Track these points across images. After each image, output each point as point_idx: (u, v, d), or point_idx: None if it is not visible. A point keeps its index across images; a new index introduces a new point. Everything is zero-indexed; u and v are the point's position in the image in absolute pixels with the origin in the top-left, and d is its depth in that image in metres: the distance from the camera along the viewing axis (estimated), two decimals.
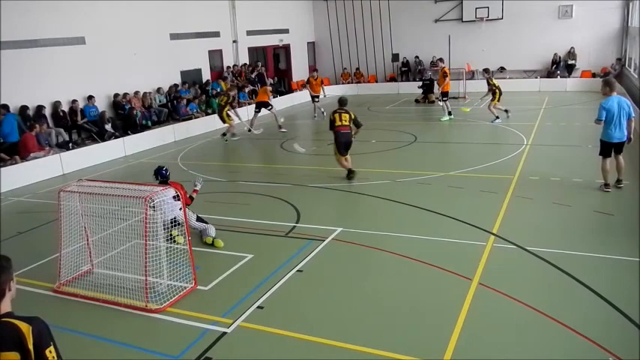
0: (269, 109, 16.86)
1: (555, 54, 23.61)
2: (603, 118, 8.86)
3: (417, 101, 21.86)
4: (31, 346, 2.37)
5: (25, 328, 2.40)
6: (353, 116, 10.54)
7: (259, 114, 16.83)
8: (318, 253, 7.15)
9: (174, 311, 5.82)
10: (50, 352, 2.42)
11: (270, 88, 18.57)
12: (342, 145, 10.53)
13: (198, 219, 7.89)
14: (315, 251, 7.18)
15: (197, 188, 7.73)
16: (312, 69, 24.39)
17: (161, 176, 7.87)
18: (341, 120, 10.47)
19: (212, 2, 20.98)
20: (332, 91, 26.22)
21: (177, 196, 6.60)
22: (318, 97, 19.56)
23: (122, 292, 6.09)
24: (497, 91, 16.04)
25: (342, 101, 10.78)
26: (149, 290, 5.95)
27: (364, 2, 26.56)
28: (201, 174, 11.89)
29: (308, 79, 20.18)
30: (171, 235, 7.25)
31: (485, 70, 16.62)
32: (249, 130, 16.44)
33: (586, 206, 8.38)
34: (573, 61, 23.34)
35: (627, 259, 6.40)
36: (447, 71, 17.30)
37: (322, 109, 18.99)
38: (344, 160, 10.68)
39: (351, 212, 8.79)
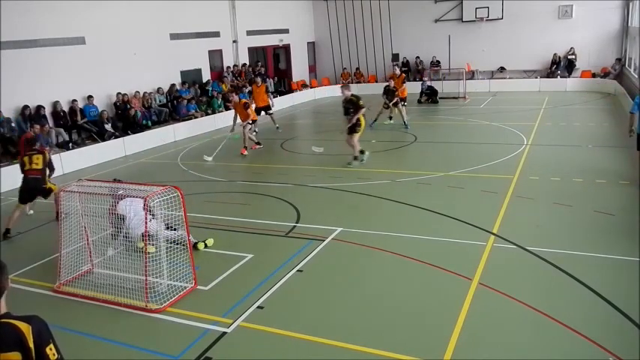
0: (270, 114, 16.93)
1: (555, 54, 23.61)
2: (636, 111, 9.24)
3: (419, 102, 21.87)
4: (32, 345, 2.38)
5: (25, 327, 2.41)
6: (48, 158, 9.07)
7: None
8: (318, 253, 7.15)
9: (174, 311, 5.82)
10: (50, 349, 2.43)
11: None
12: (27, 193, 8.93)
13: (168, 227, 6.86)
14: (315, 251, 7.18)
15: None
16: (313, 69, 24.02)
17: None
18: (31, 163, 8.84)
19: (212, 2, 20.98)
20: (330, 92, 26.28)
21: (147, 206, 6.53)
22: (268, 107, 16.97)
23: (122, 292, 6.09)
24: None
25: (32, 140, 9.56)
26: (149, 290, 5.95)
27: (364, 2, 26.57)
28: (202, 174, 11.92)
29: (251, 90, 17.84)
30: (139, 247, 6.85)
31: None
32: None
33: (586, 206, 8.38)
34: (573, 57, 23.34)
35: (627, 259, 6.40)
36: (403, 77, 17.40)
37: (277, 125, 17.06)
38: (17, 212, 8.90)
39: (351, 212, 8.79)
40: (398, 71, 17.54)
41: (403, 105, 16.53)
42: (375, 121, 16.55)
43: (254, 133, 15.10)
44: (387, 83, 16.88)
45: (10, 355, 2.36)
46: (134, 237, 6.96)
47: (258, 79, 17.37)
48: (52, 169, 9.23)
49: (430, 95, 21.80)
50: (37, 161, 8.86)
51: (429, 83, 22.36)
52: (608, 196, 8.92)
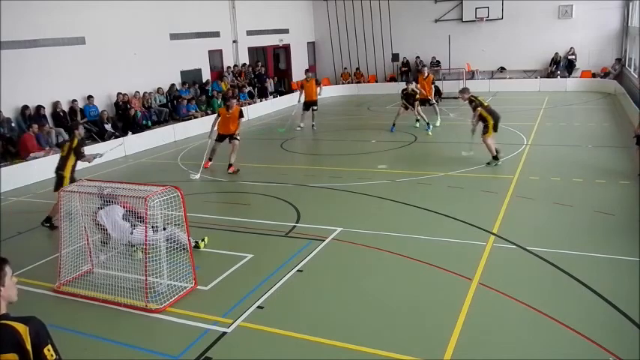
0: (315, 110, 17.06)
1: (556, 53, 23.59)
2: None
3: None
4: (29, 347, 2.37)
5: (22, 328, 2.40)
6: (75, 144, 8.86)
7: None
8: (318, 253, 7.15)
9: (174, 311, 5.82)
10: (48, 350, 2.43)
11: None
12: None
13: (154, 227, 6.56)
14: (315, 251, 7.18)
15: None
16: (313, 69, 24.10)
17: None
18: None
19: (212, 2, 20.98)
20: (330, 92, 26.32)
21: (125, 215, 6.48)
22: (315, 102, 17.15)
23: (122, 292, 6.09)
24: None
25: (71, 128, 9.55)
26: (149, 290, 5.94)
27: (364, 2, 26.57)
28: (201, 174, 11.89)
29: (301, 84, 17.68)
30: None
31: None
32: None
33: (586, 206, 8.38)
34: (573, 57, 23.35)
35: (627, 259, 6.41)
36: (432, 78, 16.72)
37: (314, 123, 17.17)
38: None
39: (351, 212, 8.79)
40: (426, 72, 16.64)
41: (431, 104, 16.07)
42: (394, 125, 15.90)
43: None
44: (404, 87, 16.16)
45: (7, 356, 2.36)
46: (123, 245, 6.91)
47: (310, 74, 17.56)
48: (78, 156, 8.90)
49: (435, 94, 21.76)
50: (64, 148, 9.03)
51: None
52: (608, 196, 8.92)
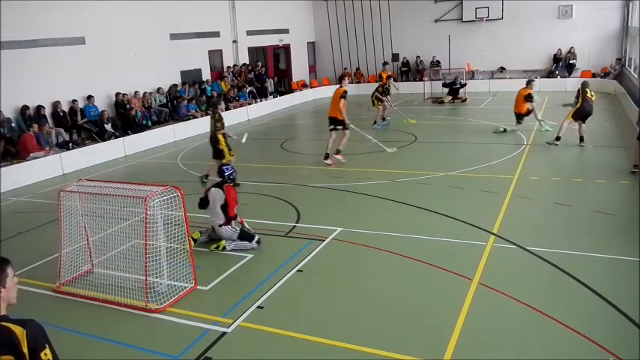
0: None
1: (559, 49, 23.54)
2: None
3: (441, 102, 21.67)
4: (25, 350, 2.36)
5: (19, 331, 2.38)
6: (217, 117, 10.82)
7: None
8: (318, 253, 7.15)
9: (174, 311, 5.82)
10: (46, 354, 2.40)
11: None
12: None
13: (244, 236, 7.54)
14: (315, 251, 7.18)
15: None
16: (313, 69, 24.00)
17: (220, 175, 7.97)
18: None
19: (212, 2, 20.99)
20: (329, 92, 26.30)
21: (223, 206, 7.28)
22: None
23: (122, 292, 6.09)
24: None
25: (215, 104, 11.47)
26: (149, 290, 5.94)
27: (364, 2, 26.58)
28: (202, 174, 11.88)
29: (379, 74, 18.13)
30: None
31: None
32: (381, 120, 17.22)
33: (586, 206, 8.38)
34: (574, 61, 23.35)
35: (627, 259, 6.41)
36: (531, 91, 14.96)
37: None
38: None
39: (351, 212, 8.79)
40: (531, 88, 14.86)
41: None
42: (375, 123, 16.48)
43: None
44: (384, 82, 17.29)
45: (2, 358, 2.35)
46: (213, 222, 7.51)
47: (387, 67, 18.93)
48: (216, 129, 10.64)
49: (452, 93, 21.67)
50: (212, 122, 10.80)
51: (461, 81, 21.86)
52: (608, 196, 8.92)
